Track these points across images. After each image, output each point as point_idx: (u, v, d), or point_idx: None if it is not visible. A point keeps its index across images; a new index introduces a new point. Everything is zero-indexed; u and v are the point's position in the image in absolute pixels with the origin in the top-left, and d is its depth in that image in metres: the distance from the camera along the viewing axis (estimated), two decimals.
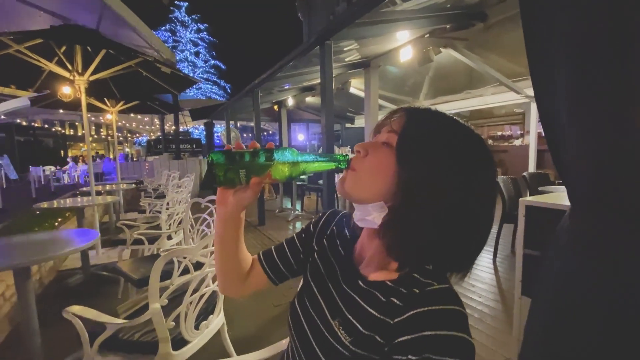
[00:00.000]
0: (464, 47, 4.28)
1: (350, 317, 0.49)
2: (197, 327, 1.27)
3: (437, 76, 5.88)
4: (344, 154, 0.52)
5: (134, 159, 17.24)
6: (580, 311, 0.66)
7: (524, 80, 5.53)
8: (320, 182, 3.41)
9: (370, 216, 0.49)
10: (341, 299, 0.53)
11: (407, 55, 4.09)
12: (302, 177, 6.22)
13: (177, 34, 29.13)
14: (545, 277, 0.79)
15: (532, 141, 5.68)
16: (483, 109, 8.17)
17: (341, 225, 0.65)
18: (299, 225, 4.92)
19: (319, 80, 6.00)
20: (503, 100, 6.46)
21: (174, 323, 1.13)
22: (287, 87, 6.53)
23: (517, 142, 9.91)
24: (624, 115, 0.54)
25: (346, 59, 4.72)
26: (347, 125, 10.50)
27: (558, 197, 1.51)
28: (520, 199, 1.41)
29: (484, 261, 3.08)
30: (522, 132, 11.15)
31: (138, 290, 1.83)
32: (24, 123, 14.78)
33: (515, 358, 1.56)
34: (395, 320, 0.44)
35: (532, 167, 5.54)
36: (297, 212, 5.59)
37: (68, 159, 15.14)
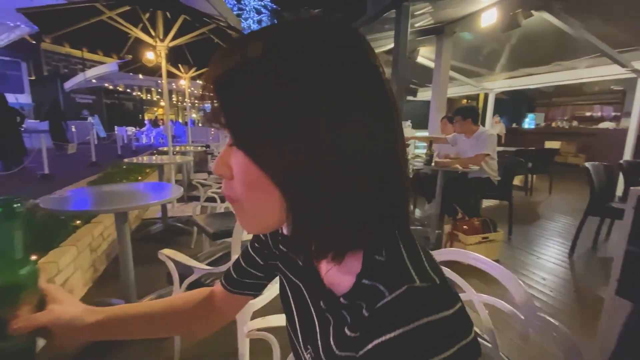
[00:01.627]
0: (562, 9, 3.68)
1: (320, 346, 0.39)
2: None
3: (521, 44, 5.20)
4: (11, 197, 0.38)
5: (200, 125, 18.50)
6: None
7: (633, 51, 4.65)
8: None
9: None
10: (318, 318, 0.41)
11: (490, 19, 3.65)
12: None
13: (242, 1, 29.55)
14: None
15: (633, 124, 4.84)
16: (571, 84, 7.12)
17: None
18: None
19: (383, 48, 5.70)
20: (601, 74, 5.55)
21: None
22: None
23: (610, 125, 8.56)
24: None
25: (416, 24, 4.37)
26: (409, 98, 9.97)
27: None
28: (632, 187, 1.21)
29: (558, 254, 2.80)
30: (617, 113, 9.57)
31: (211, 243, 2.01)
32: (110, 87, 16.54)
33: None
34: (360, 353, 0.31)
35: (628, 155, 4.78)
36: None
37: (145, 122, 16.78)
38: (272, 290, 1.30)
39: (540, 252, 2.84)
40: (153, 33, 3.33)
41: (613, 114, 10.08)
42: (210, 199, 2.48)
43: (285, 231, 0.40)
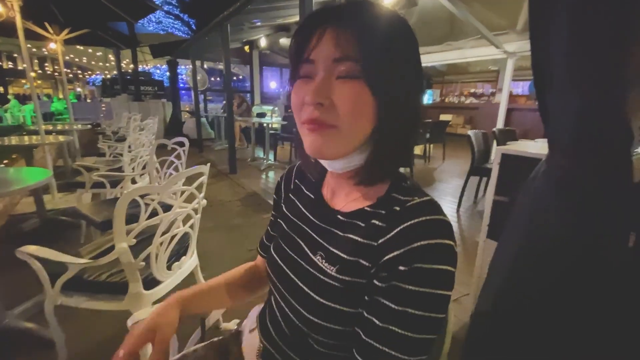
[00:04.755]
0: None
1: (332, 248, 0.48)
2: (169, 268, 1.23)
3: (420, 24, 5.63)
4: None
5: (88, 100, 15.72)
6: (550, 247, 0.68)
7: (504, 34, 5.47)
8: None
9: (353, 163, 0.46)
10: (319, 235, 0.51)
11: None
12: (275, 125, 6.02)
13: None
14: (514, 218, 0.81)
15: (503, 99, 5.78)
16: (459, 64, 8.12)
17: (302, 174, 0.62)
18: (271, 175, 4.86)
19: (296, 19, 5.55)
20: (481, 54, 6.39)
21: (143, 263, 1.08)
22: (257, 23, 5.97)
23: (488, 100, 10.12)
24: (622, 61, 0.50)
25: None
26: None
27: (533, 147, 1.55)
28: (498, 146, 1.43)
29: (448, 211, 3.25)
30: (493, 90, 11.34)
31: (102, 234, 1.74)
32: None
33: (473, 294, 1.70)
34: (380, 241, 0.42)
35: (500, 124, 5.72)
36: (269, 161, 5.49)
37: (8, 97, 13.45)
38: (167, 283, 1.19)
39: None
40: None
41: (490, 90, 11.89)
42: (99, 185, 2.12)
43: (333, 167, 0.49)
